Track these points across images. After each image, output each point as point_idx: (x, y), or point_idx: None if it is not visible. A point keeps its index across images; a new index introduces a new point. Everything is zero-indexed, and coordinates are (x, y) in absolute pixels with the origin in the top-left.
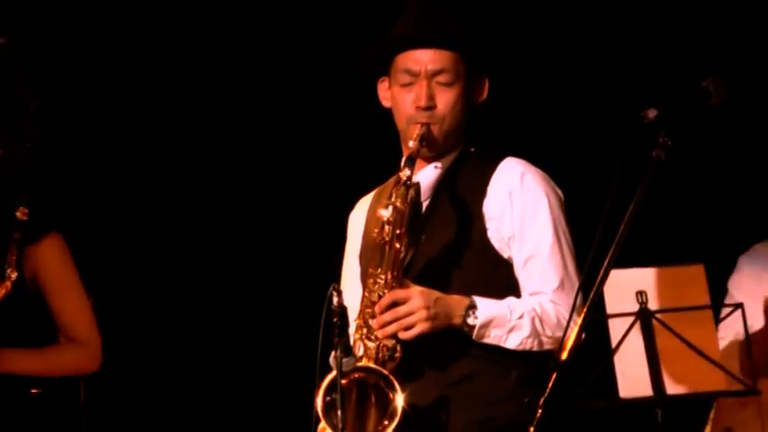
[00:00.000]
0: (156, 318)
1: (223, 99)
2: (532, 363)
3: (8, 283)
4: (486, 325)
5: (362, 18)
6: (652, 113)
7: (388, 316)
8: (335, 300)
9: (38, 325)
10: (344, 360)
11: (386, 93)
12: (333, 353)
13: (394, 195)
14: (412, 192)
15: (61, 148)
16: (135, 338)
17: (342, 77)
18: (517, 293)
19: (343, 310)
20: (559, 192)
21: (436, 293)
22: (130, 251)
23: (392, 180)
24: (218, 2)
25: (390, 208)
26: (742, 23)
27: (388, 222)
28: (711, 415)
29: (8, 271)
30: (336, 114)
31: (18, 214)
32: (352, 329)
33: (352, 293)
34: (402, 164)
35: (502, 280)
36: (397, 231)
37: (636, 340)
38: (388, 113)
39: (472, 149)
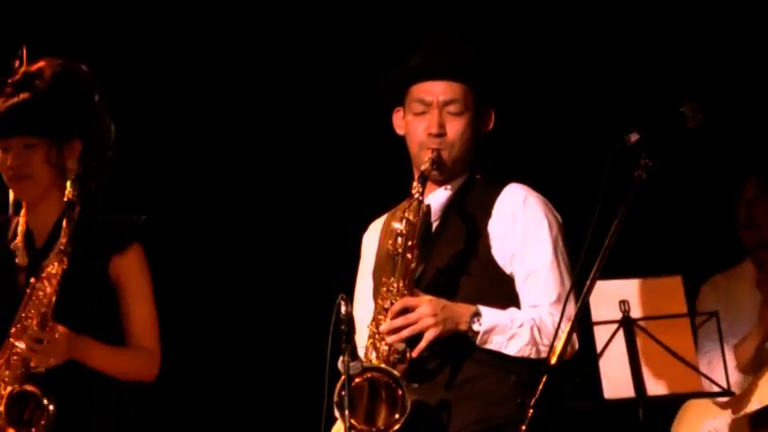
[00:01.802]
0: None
1: (252, 117)
2: (530, 368)
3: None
4: (489, 331)
5: (382, 49)
6: (634, 137)
7: (398, 321)
8: (343, 308)
9: (110, 325)
10: (351, 364)
11: (400, 121)
12: (341, 358)
13: (407, 210)
14: (424, 206)
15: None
16: None
17: (361, 104)
18: (518, 306)
19: (350, 318)
20: (558, 216)
21: (444, 301)
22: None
23: (404, 203)
24: (250, 23)
25: (403, 221)
26: (718, 52)
27: (401, 234)
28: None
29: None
30: (355, 137)
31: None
32: (363, 338)
33: (365, 308)
34: (416, 182)
35: (504, 293)
36: (409, 243)
37: (619, 345)
38: (400, 140)
39: (478, 176)
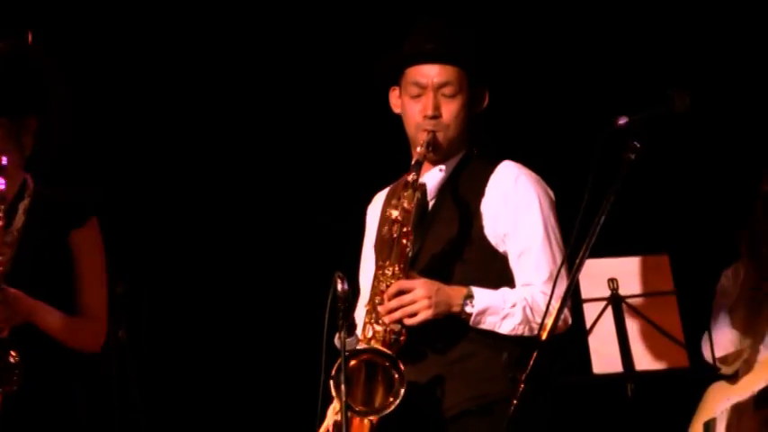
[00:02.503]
0: (167, 303)
1: (252, 109)
2: (522, 345)
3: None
4: (482, 313)
5: (379, 31)
6: (623, 120)
7: (394, 303)
8: (339, 286)
9: (65, 294)
10: (348, 340)
11: (397, 100)
12: (337, 334)
13: (402, 197)
14: (418, 194)
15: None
16: (153, 327)
17: (358, 85)
18: (511, 284)
19: (346, 295)
20: (550, 192)
21: (438, 284)
22: (150, 242)
23: (402, 181)
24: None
25: (399, 208)
26: (706, 39)
27: (396, 221)
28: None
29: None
30: (354, 118)
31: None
32: (361, 313)
33: (369, 276)
34: (411, 168)
35: (497, 271)
36: (404, 229)
37: (608, 322)
38: (398, 118)
39: (474, 150)
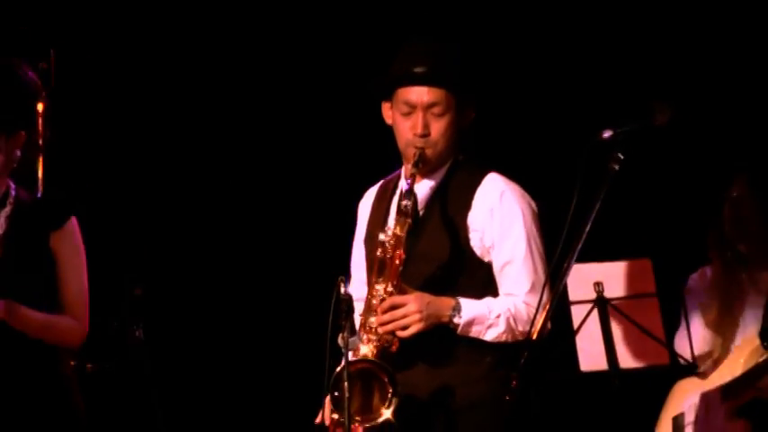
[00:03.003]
0: (183, 305)
1: (249, 101)
2: (503, 351)
3: None
4: (468, 324)
5: (372, 41)
6: (607, 134)
7: (387, 317)
8: (342, 289)
9: (46, 294)
10: (351, 339)
11: (388, 112)
12: (340, 334)
13: (395, 223)
14: (410, 221)
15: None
16: (170, 327)
17: (353, 93)
18: (494, 290)
19: (348, 298)
20: (534, 205)
21: (428, 297)
22: (167, 247)
23: (396, 174)
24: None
25: (390, 233)
26: (687, 51)
27: (389, 244)
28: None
29: None
30: (349, 123)
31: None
32: (358, 310)
33: (360, 268)
34: (404, 192)
35: (482, 279)
36: (397, 252)
37: (594, 323)
38: (390, 128)
39: (461, 158)
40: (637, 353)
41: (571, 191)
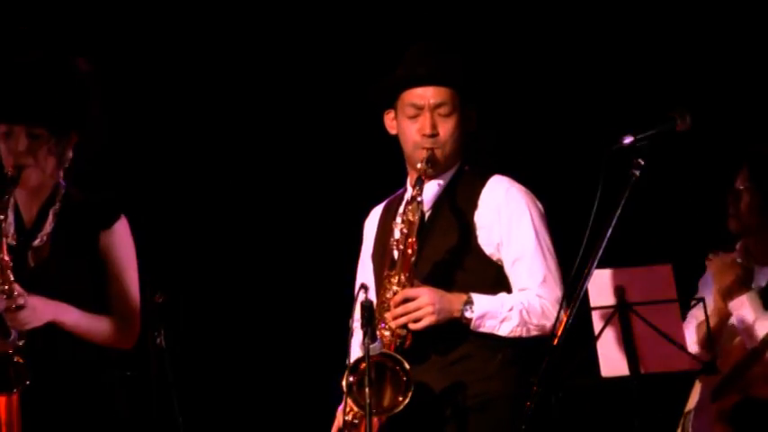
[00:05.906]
0: (204, 312)
1: (256, 110)
2: (516, 346)
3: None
4: (481, 317)
5: (374, 50)
6: (628, 139)
7: (400, 310)
8: (363, 296)
9: (90, 292)
10: (372, 345)
11: (392, 122)
12: (361, 340)
13: (407, 210)
14: (422, 207)
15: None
16: (190, 334)
17: (356, 104)
18: (505, 289)
19: (370, 304)
20: (539, 204)
21: (441, 292)
22: (187, 255)
23: (401, 192)
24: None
25: (404, 220)
26: (707, 60)
27: (402, 233)
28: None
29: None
30: (355, 138)
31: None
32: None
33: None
34: (413, 184)
35: (492, 277)
36: (410, 240)
37: (615, 328)
38: (393, 139)
39: (466, 168)
40: (658, 358)
41: (592, 197)
